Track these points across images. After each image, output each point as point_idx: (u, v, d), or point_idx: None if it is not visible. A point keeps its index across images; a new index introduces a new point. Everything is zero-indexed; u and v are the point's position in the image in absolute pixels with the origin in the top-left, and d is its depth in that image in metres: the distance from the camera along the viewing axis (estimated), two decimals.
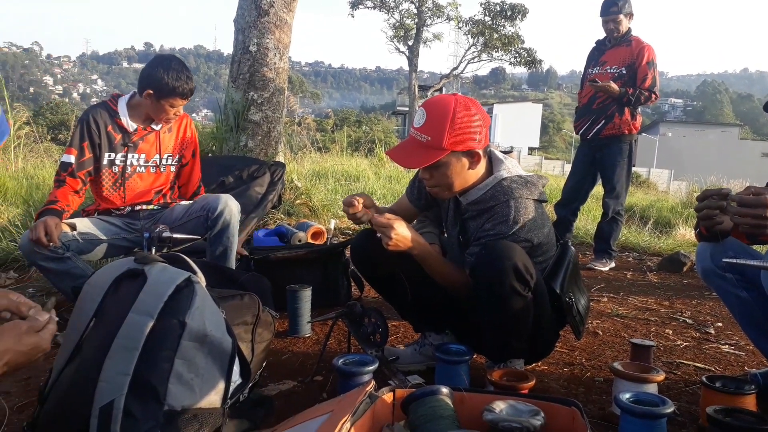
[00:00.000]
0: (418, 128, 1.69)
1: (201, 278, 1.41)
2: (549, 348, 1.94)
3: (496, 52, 24.13)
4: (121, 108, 2.46)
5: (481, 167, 1.74)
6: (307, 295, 2.38)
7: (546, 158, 35.43)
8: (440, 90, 24.87)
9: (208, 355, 1.32)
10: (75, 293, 1.74)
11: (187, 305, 1.31)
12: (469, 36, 24.20)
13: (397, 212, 1.94)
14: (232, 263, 2.47)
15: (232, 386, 1.37)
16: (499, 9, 23.60)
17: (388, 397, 1.49)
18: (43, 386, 1.41)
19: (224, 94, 4.50)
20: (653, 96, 3.81)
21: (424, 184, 1.79)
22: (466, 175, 1.72)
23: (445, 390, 1.38)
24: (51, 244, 2.19)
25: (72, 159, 2.40)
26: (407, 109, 27.25)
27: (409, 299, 1.90)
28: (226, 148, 4.33)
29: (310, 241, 3.16)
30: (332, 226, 3.05)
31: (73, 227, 2.38)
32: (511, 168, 1.78)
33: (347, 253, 2.91)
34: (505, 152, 2.07)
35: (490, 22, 23.69)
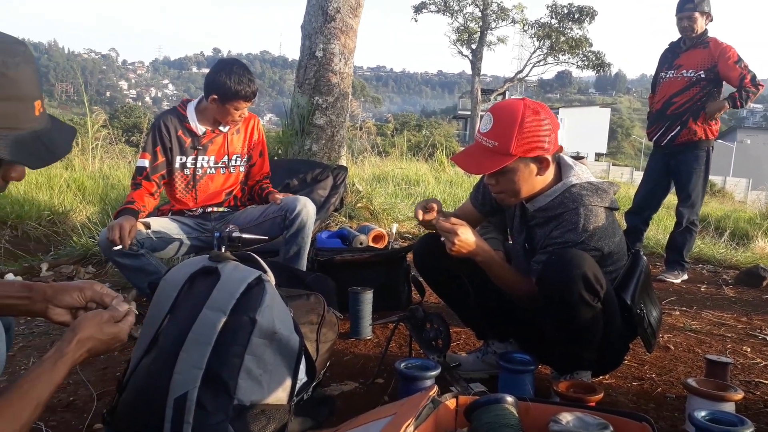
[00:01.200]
0: (484, 133, 1.67)
1: (271, 277, 1.44)
2: (618, 361, 1.88)
3: (562, 55, 23.59)
4: (190, 112, 2.56)
5: (550, 173, 1.71)
6: (368, 297, 2.40)
7: (614, 164, 34.33)
8: (503, 94, 24.55)
9: (276, 352, 1.35)
10: (152, 289, 1.83)
11: (257, 303, 1.35)
12: (534, 39, 23.77)
13: (461, 217, 1.93)
14: (304, 263, 2.54)
15: (298, 384, 1.40)
16: (566, 11, 23.07)
17: (451, 402, 1.48)
18: (121, 376, 1.48)
19: (289, 98, 4.61)
20: (760, 86, 3.60)
21: (490, 189, 1.78)
22: (534, 181, 1.69)
23: (510, 399, 1.36)
24: (121, 247, 2.29)
25: (146, 163, 2.52)
26: (469, 113, 27.03)
27: (472, 306, 1.88)
28: (291, 152, 4.44)
29: (371, 244, 3.19)
30: (394, 230, 3.07)
31: (147, 226, 2.50)
32: (581, 174, 1.74)
33: (409, 258, 2.92)
34: (576, 158, 2.02)
35: (557, 25, 23.19)
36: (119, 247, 2.26)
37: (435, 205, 1.79)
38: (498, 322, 1.93)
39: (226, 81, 2.42)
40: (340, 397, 1.86)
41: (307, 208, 2.52)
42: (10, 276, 3.15)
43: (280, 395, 1.35)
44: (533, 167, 1.67)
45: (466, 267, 1.76)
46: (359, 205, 4.49)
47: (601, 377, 2.00)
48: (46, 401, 1.02)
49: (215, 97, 2.46)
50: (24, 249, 3.95)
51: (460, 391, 1.58)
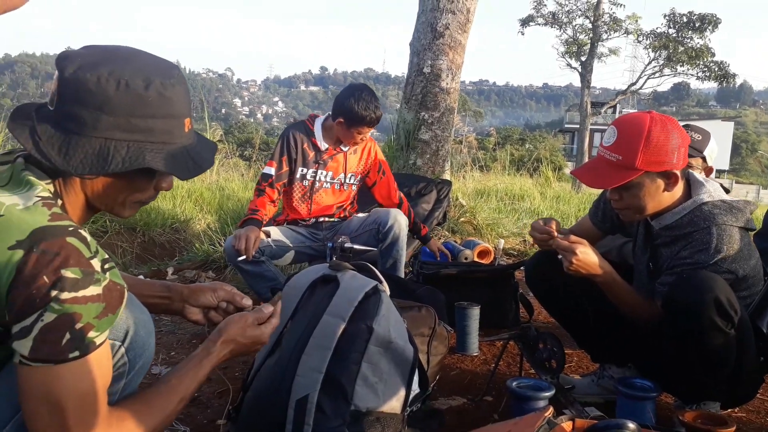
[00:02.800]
0: (607, 147, 1.62)
1: (386, 287, 1.48)
2: (751, 393, 1.73)
3: (680, 66, 22.13)
4: (317, 128, 2.70)
5: (678, 189, 1.62)
6: (476, 313, 2.37)
7: (737, 182, 31.66)
8: (614, 107, 23.46)
9: (391, 361, 1.38)
10: (273, 294, 1.93)
11: (374, 312, 1.39)
12: (649, 50, 22.51)
13: (578, 234, 1.87)
14: (401, 276, 2.57)
15: (411, 394, 1.42)
16: (685, 20, 21.69)
17: (567, 425, 1.43)
18: (246, 375, 1.57)
19: (391, 114, 4.70)
20: None
21: (612, 205, 1.71)
22: (661, 197, 1.61)
23: (632, 425, 1.29)
24: (246, 257, 2.43)
25: (272, 171, 2.68)
26: (577, 126, 26.04)
27: (589, 327, 1.81)
28: (396, 166, 4.51)
29: (476, 259, 3.17)
30: (500, 246, 3.02)
31: (268, 234, 2.65)
32: (712, 192, 1.63)
33: (518, 275, 2.87)
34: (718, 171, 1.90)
35: (674, 35, 21.85)
36: (243, 257, 2.41)
37: (554, 224, 1.74)
38: (617, 345, 1.85)
39: (354, 106, 2.53)
40: (449, 412, 1.86)
41: (398, 220, 2.57)
42: (140, 279, 3.43)
43: (394, 404, 1.38)
44: (660, 183, 1.59)
45: (583, 286, 1.70)
46: (463, 219, 4.47)
47: (730, 410, 1.85)
48: (190, 396, 1.11)
49: (342, 120, 2.59)
50: (151, 254, 4.30)
51: (576, 414, 1.52)
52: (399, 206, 2.86)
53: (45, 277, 0.88)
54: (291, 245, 2.69)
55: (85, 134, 0.98)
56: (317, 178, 2.72)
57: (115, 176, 1.04)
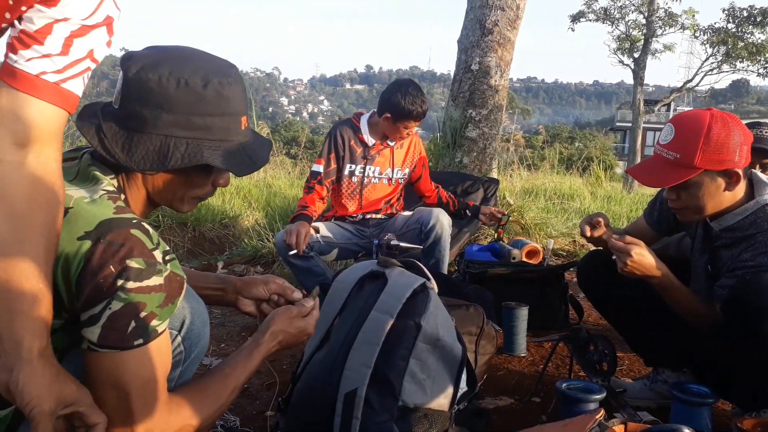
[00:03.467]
0: (664, 145, 1.57)
1: (434, 285, 1.48)
2: None
3: (740, 62, 21.17)
4: (363, 125, 2.73)
5: (740, 190, 1.56)
6: (524, 313, 2.34)
7: None
8: (669, 105, 22.67)
9: (439, 358, 1.38)
10: (323, 289, 1.95)
11: (422, 308, 1.39)
12: (707, 45, 21.63)
13: (633, 235, 1.82)
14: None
15: (459, 392, 1.41)
16: (746, 15, 20.75)
17: (619, 428, 1.40)
18: (294, 368, 1.60)
19: (436, 112, 4.67)
20: None
21: (669, 205, 1.66)
22: (721, 197, 1.55)
23: (687, 431, 1.25)
24: (296, 251, 2.48)
25: (321, 169, 2.72)
26: (629, 125, 25.27)
27: (643, 330, 1.76)
28: (442, 164, 4.49)
29: (524, 259, 3.12)
30: (550, 246, 2.97)
31: (317, 230, 2.69)
32: None
33: (568, 276, 2.81)
34: None
35: (734, 30, 20.94)
36: (294, 252, 2.45)
37: (602, 220, 1.70)
38: (672, 349, 1.79)
39: (401, 101, 2.56)
40: (495, 412, 1.84)
41: (440, 220, 2.56)
42: (195, 271, 3.54)
43: (441, 401, 1.37)
44: (720, 182, 1.53)
45: (638, 288, 1.66)
46: (510, 218, 4.41)
47: None
48: (242, 386, 1.14)
49: (388, 115, 2.61)
50: (201, 248, 4.42)
51: (628, 418, 1.48)
52: (437, 193, 2.93)
53: (111, 267, 0.92)
54: (337, 241, 2.72)
55: (147, 132, 1.02)
56: (365, 174, 2.75)
57: (174, 172, 1.07)
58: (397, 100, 2.55)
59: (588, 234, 1.75)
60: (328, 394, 1.35)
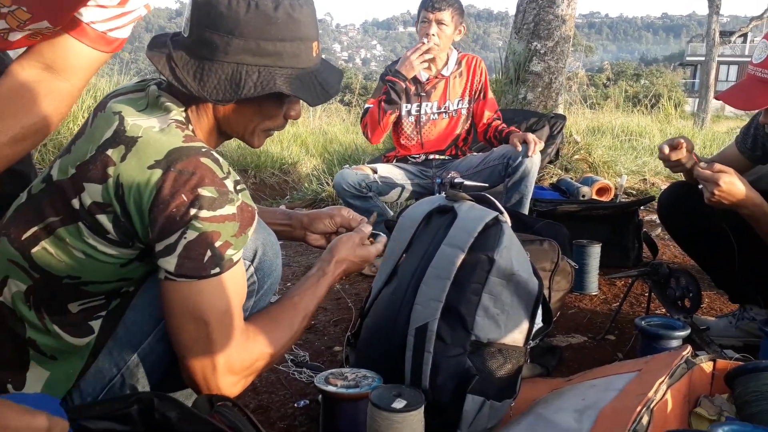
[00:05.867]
0: (758, 63, 1.42)
1: (507, 218, 1.41)
2: None
3: None
4: None
5: None
6: (596, 251, 2.25)
7: None
8: (745, 36, 20.98)
9: (513, 293, 1.32)
10: (387, 227, 1.92)
11: (495, 243, 1.32)
12: None
13: (723, 164, 1.68)
14: (525, 213, 2.47)
15: (534, 329, 1.36)
16: None
17: (707, 365, 1.32)
18: (363, 304, 1.59)
19: (493, 52, 4.46)
20: None
21: (766, 131, 1.51)
22: None
23: None
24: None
25: (370, 107, 2.65)
26: (701, 58, 23.60)
27: (730, 264, 1.65)
28: (504, 102, 4.32)
29: (594, 197, 2.99)
30: (623, 182, 2.81)
31: (375, 170, 2.64)
32: None
33: (641, 214, 2.68)
34: None
35: None
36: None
37: (683, 142, 1.57)
38: (763, 285, 1.67)
39: None
40: (567, 349, 1.79)
41: (531, 155, 2.43)
42: (261, 206, 3.60)
43: (516, 337, 1.33)
44: None
45: (727, 220, 1.54)
46: (576, 157, 4.23)
47: None
48: (312, 313, 1.13)
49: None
50: (262, 194, 4.48)
51: (716, 355, 1.40)
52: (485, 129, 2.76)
53: (183, 196, 0.90)
54: (398, 182, 2.67)
55: (218, 59, 0.98)
56: (422, 111, 2.66)
57: (246, 103, 1.04)
58: None
59: (666, 152, 1.61)
60: (399, 329, 1.32)
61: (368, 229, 1.29)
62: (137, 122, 0.98)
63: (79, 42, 1.00)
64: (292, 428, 1.40)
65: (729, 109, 19.75)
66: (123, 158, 0.94)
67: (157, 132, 0.96)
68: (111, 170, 0.93)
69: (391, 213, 2.70)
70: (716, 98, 1.62)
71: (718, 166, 1.47)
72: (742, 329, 1.75)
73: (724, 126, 12.73)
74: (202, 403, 0.85)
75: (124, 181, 0.93)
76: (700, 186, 1.49)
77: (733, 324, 1.77)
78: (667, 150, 1.60)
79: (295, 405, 1.50)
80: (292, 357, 1.76)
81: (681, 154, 1.58)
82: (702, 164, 1.49)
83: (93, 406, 0.84)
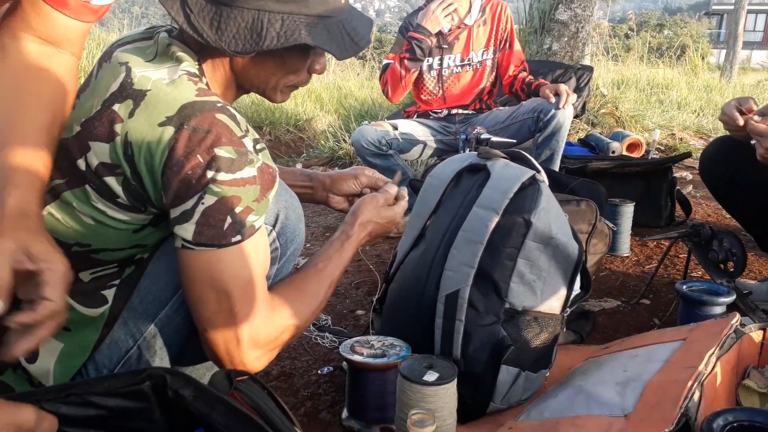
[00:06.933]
0: None
1: (544, 177, 1.31)
2: None
3: None
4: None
5: None
6: (629, 210, 2.14)
7: None
8: None
9: (551, 258, 1.24)
10: (412, 187, 1.83)
11: (532, 204, 1.23)
12: None
13: None
14: (556, 169, 2.36)
15: (572, 295, 1.28)
16: None
17: (757, 334, 1.24)
18: (388, 268, 1.52)
19: (514, 2, 4.25)
20: None
21: None
22: None
23: None
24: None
25: (390, 63, 2.51)
26: (727, 7, 22.68)
27: None
28: (528, 53, 4.14)
29: (625, 153, 2.87)
30: (656, 137, 2.68)
31: (395, 127, 2.53)
32: None
33: (675, 172, 2.55)
34: None
35: None
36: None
37: (753, 105, 1.44)
38: None
39: None
40: (601, 314, 1.72)
41: (564, 108, 2.29)
42: (281, 166, 3.52)
43: (553, 304, 1.25)
44: None
45: None
46: (603, 110, 4.07)
47: None
48: (337, 280, 1.06)
49: None
50: (278, 152, 4.40)
51: (766, 323, 1.32)
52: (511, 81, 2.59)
53: (199, 157, 0.82)
54: (420, 138, 2.56)
55: (237, 5, 0.87)
56: (444, 65, 2.51)
57: (268, 55, 0.93)
58: None
59: (740, 123, 1.45)
60: (428, 296, 1.25)
61: (393, 189, 1.21)
62: (145, 74, 0.88)
63: (60, 14, 0.91)
64: (316, 396, 1.35)
65: (756, 60, 19.06)
66: (131, 114, 0.85)
67: (167, 84, 0.87)
68: (118, 128, 0.85)
69: (414, 172, 2.60)
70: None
71: None
72: None
73: (752, 78, 12.29)
74: (219, 380, 0.78)
75: (133, 139, 0.85)
76: (753, 141, 1.38)
77: None
78: (740, 121, 1.43)
79: (319, 372, 1.46)
80: (314, 321, 1.70)
81: (749, 117, 1.44)
82: (756, 117, 1.37)
83: (100, 380, 0.78)
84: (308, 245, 2.45)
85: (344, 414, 1.23)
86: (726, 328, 1.19)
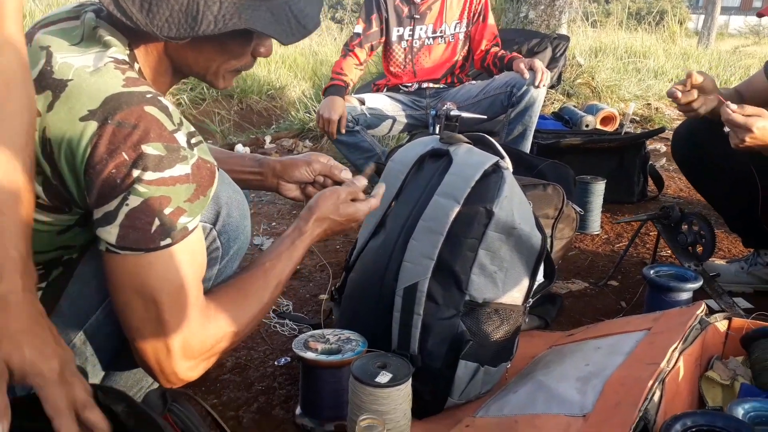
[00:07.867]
0: None
1: (509, 164, 1.25)
2: None
3: None
4: None
5: None
6: (600, 188, 2.10)
7: None
8: None
9: (513, 249, 1.19)
10: (377, 172, 1.76)
11: (495, 193, 1.18)
12: None
13: (745, 95, 1.51)
14: (528, 146, 2.30)
15: (535, 285, 1.24)
16: None
17: (722, 324, 1.22)
18: (348, 256, 1.46)
19: None
20: None
21: None
22: None
23: None
24: (333, 135, 2.30)
25: (360, 30, 2.41)
26: None
27: (751, 208, 1.51)
28: (504, 21, 4.04)
29: (599, 126, 2.82)
30: (631, 111, 2.62)
31: (362, 102, 2.44)
32: None
33: (649, 144, 2.52)
34: None
35: None
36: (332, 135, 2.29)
37: (696, 78, 1.38)
38: None
39: None
40: (568, 297, 1.69)
41: (539, 87, 2.22)
42: (239, 147, 3.40)
43: (514, 295, 1.21)
44: None
45: (755, 161, 1.38)
46: (579, 81, 4.01)
47: None
48: (286, 279, 0.99)
49: None
50: (249, 121, 4.27)
51: (731, 312, 1.30)
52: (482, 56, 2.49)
53: (124, 154, 0.74)
54: (389, 114, 2.48)
55: None
56: (416, 36, 2.42)
57: (206, 40, 0.84)
58: None
59: (681, 99, 1.41)
60: (386, 288, 1.20)
61: (362, 182, 1.10)
62: (68, 60, 0.79)
63: None
64: (270, 390, 1.31)
65: (733, 26, 19.05)
66: (50, 107, 0.77)
67: (91, 73, 0.78)
68: (36, 122, 0.77)
69: (382, 148, 2.52)
70: (759, 15, 1.43)
71: (749, 108, 1.30)
72: (754, 275, 1.65)
73: (729, 44, 12.27)
74: (154, 399, 0.72)
75: (52, 136, 0.76)
76: (726, 129, 1.33)
77: (744, 270, 1.66)
78: (680, 95, 1.39)
79: (276, 363, 1.41)
80: (274, 306, 1.65)
81: (690, 98, 1.39)
82: (732, 106, 1.31)
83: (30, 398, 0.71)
84: (274, 224, 2.38)
85: (298, 411, 1.19)
86: (691, 319, 1.16)
